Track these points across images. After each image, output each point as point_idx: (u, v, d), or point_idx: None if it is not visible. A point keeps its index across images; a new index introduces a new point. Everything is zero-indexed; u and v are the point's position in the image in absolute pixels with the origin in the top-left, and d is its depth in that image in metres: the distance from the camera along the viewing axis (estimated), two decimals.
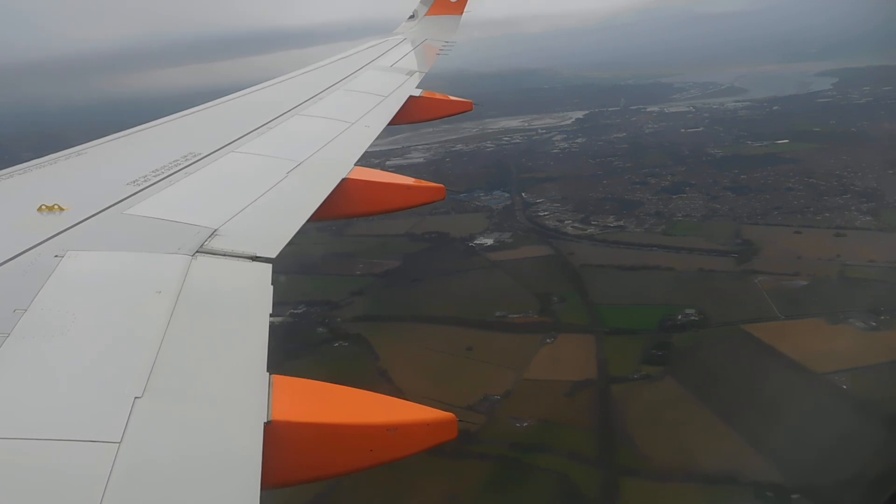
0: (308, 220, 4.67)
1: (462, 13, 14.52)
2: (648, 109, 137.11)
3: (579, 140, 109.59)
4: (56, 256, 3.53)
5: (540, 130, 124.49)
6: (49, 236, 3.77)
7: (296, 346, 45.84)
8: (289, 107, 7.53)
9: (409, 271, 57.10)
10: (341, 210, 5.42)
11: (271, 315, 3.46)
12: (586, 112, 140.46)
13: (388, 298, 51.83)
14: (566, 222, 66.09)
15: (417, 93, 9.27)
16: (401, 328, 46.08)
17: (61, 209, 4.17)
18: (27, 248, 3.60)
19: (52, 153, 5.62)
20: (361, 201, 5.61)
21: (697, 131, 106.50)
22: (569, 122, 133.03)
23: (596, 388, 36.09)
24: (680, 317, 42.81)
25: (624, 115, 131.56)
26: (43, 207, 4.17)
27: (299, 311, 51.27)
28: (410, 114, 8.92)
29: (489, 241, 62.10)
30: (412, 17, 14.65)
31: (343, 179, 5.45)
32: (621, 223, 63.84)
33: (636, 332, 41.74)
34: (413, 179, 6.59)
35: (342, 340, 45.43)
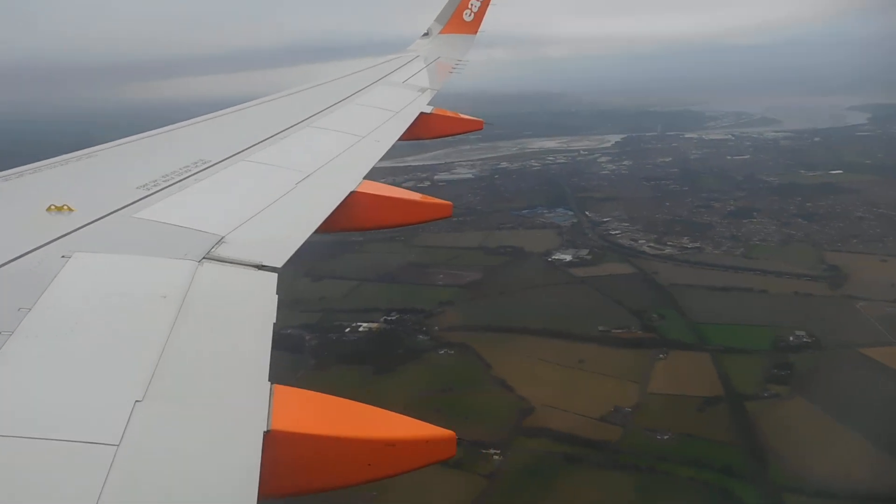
0: (315, 232, 4.62)
1: (476, 33, 14.50)
2: (686, 136, 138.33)
3: (626, 163, 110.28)
4: (63, 257, 3.53)
5: (582, 152, 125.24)
6: (56, 237, 3.76)
7: (402, 351, 45.93)
8: (300, 118, 7.48)
9: (494, 284, 57.13)
10: (349, 223, 5.43)
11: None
12: (623, 136, 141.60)
13: (480, 309, 51.78)
14: (640, 241, 66.36)
15: (428, 109, 9.21)
16: (503, 339, 46.05)
17: (70, 210, 4.17)
18: (34, 247, 3.60)
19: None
20: (369, 215, 5.62)
21: (744, 159, 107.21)
22: (608, 145, 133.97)
23: (728, 405, 36.12)
24: (791, 338, 42.94)
25: (663, 141, 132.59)
26: (52, 207, 4.18)
27: (393, 318, 51.38)
28: (421, 130, 8.82)
29: (567, 258, 62.27)
30: (426, 34, 14.62)
31: (351, 192, 5.44)
32: (697, 245, 64.09)
33: (750, 351, 41.88)
34: (420, 195, 6.55)
35: (447, 349, 45.32)
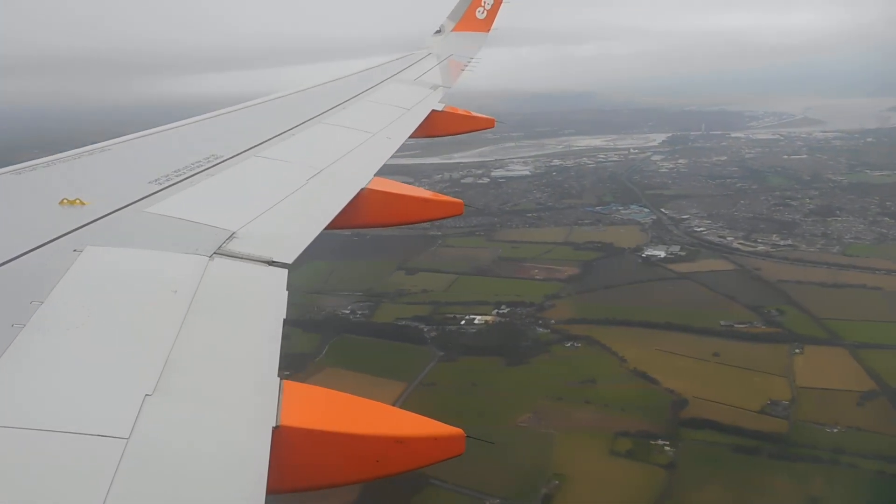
0: (326, 228, 4.64)
1: (489, 31, 14.44)
2: (733, 135, 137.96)
3: (681, 161, 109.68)
4: (75, 251, 3.53)
5: (632, 150, 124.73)
6: (69, 230, 3.77)
7: (528, 343, 45.94)
8: (311, 115, 7.45)
9: (595, 278, 57.04)
10: (359, 219, 5.44)
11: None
12: (668, 135, 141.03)
13: (591, 303, 51.78)
14: (728, 238, 66.20)
15: (440, 107, 9.19)
16: (626, 332, 46.02)
17: (83, 204, 4.18)
18: (47, 240, 3.61)
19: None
20: (380, 212, 5.62)
21: (802, 158, 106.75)
22: (655, 143, 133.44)
23: (887, 400, 35.98)
24: None
25: (711, 140, 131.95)
26: (65, 201, 4.18)
27: (504, 311, 51.37)
28: (433, 127, 8.83)
29: (660, 254, 62.10)
30: (438, 31, 14.51)
31: (362, 189, 5.44)
32: (790, 242, 63.85)
33: (889, 347, 41.70)
34: (430, 193, 6.42)
35: (572, 341, 45.28)
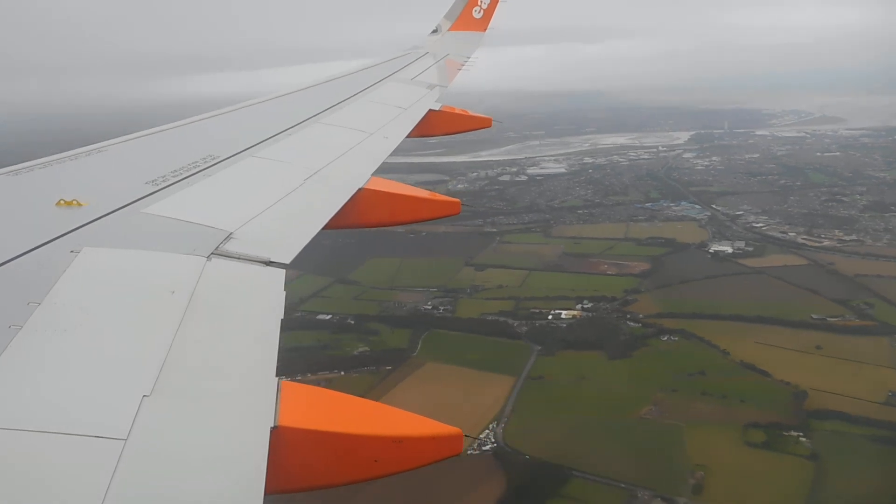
0: (324, 228, 4.67)
1: (486, 30, 14.49)
2: (758, 133, 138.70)
3: (714, 159, 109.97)
4: (72, 252, 3.53)
5: (661, 148, 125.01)
6: (66, 231, 3.78)
7: (625, 338, 45.94)
8: (309, 114, 7.44)
9: (669, 273, 57.12)
10: (357, 219, 5.46)
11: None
12: (692, 133, 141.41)
13: (674, 297, 51.80)
14: (790, 234, 66.40)
15: (437, 106, 9.21)
16: (720, 326, 46.11)
17: (79, 204, 4.19)
18: (44, 241, 3.62)
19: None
20: (377, 211, 5.66)
21: (835, 155, 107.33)
22: (681, 141, 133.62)
23: None
24: None
25: (737, 138, 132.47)
26: (61, 202, 4.19)
27: (588, 306, 51.37)
28: (430, 127, 8.86)
29: (727, 249, 62.26)
30: (435, 31, 14.56)
31: (359, 189, 5.47)
32: (854, 237, 64.09)
33: None
34: (428, 192, 6.41)
35: (668, 335, 45.31)
